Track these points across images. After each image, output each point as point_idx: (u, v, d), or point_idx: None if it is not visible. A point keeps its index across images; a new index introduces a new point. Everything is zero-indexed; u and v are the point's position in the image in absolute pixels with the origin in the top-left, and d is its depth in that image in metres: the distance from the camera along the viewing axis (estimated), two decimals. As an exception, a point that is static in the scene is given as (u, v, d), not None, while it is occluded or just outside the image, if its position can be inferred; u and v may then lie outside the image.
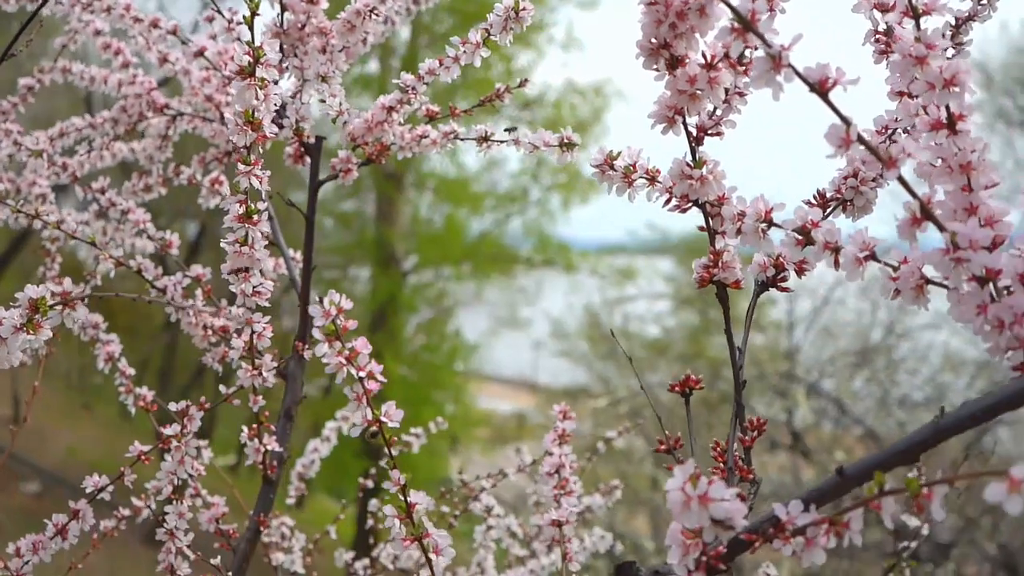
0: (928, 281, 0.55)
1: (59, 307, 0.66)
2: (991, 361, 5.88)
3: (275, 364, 0.92)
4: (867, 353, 6.56)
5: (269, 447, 0.98)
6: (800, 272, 0.68)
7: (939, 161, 0.56)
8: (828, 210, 0.70)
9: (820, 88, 0.51)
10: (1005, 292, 0.53)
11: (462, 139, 0.98)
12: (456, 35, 0.94)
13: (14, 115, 1.30)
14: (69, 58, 1.31)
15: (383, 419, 0.64)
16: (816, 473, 6.88)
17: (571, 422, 1.01)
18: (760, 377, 6.28)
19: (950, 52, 0.73)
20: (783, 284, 0.68)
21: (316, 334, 0.63)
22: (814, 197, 0.70)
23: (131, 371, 1.11)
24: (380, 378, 0.63)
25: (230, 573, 0.95)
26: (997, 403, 0.50)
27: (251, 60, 0.71)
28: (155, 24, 1.09)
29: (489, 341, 11.82)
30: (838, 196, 0.69)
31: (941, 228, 0.52)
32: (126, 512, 1.18)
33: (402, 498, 0.66)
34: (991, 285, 0.52)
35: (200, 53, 1.03)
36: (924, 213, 0.53)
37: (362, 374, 0.63)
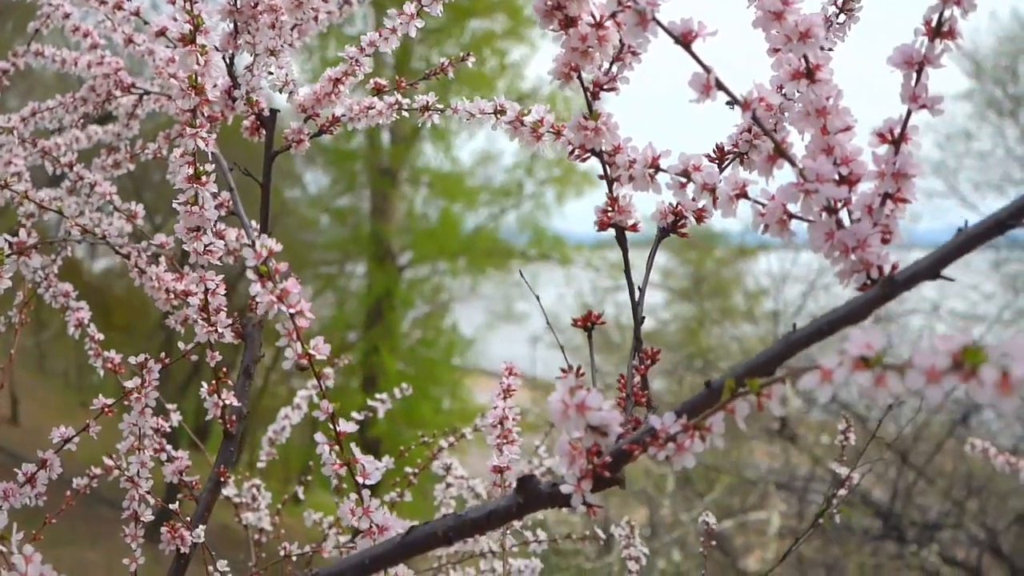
0: (791, 216, 0.61)
1: (15, 256, 0.72)
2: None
3: (230, 321, 0.98)
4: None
5: (228, 402, 1.04)
6: (699, 219, 0.74)
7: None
8: (726, 162, 0.76)
9: (684, 40, 0.57)
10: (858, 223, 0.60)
11: (406, 110, 1.04)
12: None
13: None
14: (43, 42, 1.37)
15: (312, 352, 0.70)
16: (806, 459, 6.97)
17: (516, 379, 1.07)
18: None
19: (841, 18, 0.79)
20: (682, 230, 0.74)
21: (251, 275, 0.69)
22: (713, 150, 0.76)
23: (100, 336, 1.17)
24: (309, 315, 0.69)
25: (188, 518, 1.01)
26: (841, 318, 0.56)
27: (192, 28, 0.77)
28: (119, 6, 1.15)
29: (485, 335, 11.88)
30: (735, 149, 0.75)
31: (793, 164, 0.58)
32: (97, 471, 1.24)
33: (331, 427, 0.72)
34: (840, 215, 0.58)
35: (162, 33, 1.08)
36: (778, 151, 0.59)
37: (293, 311, 0.69)
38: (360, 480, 0.71)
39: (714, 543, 1.17)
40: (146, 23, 1.17)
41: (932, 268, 0.54)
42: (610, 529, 1.26)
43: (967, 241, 0.53)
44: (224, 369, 1.05)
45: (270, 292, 0.68)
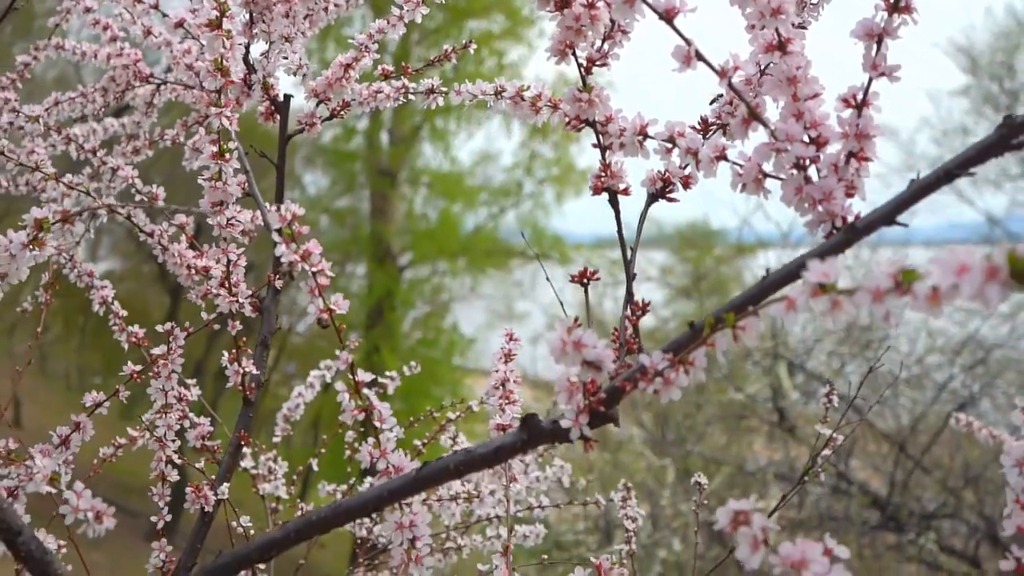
0: (765, 175, 0.68)
1: (59, 224, 0.79)
2: (973, 337, 6.01)
3: (250, 292, 1.05)
4: (851, 331, 6.71)
5: (248, 370, 1.11)
6: (686, 185, 0.81)
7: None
8: (710, 132, 0.82)
9: (667, 16, 0.64)
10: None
11: (412, 93, 1.10)
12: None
13: (12, 89, 1.43)
14: (62, 36, 1.44)
15: (333, 307, 0.76)
16: (807, 449, 7.03)
17: (516, 343, 1.13)
18: (746, 356, 6.44)
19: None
20: (671, 196, 0.81)
21: (275, 237, 0.75)
22: (698, 122, 0.82)
23: (124, 312, 1.23)
24: (329, 272, 0.76)
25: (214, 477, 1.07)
26: (811, 256, 0.62)
27: (218, 14, 0.84)
28: (138, 0, 1.22)
29: (486, 335, 11.94)
30: (718, 120, 0.82)
31: (765, 126, 0.65)
32: (122, 440, 1.30)
33: (351, 376, 0.78)
34: (809, 172, 0.65)
35: (180, 24, 1.15)
36: (752, 115, 0.65)
37: (315, 269, 0.75)
38: (377, 424, 0.78)
39: (705, 502, 1.24)
40: (164, 15, 1.24)
41: (889, 215, 0.60)
42: (610, 495, 1.32)
43: (919, 190, 0.59)
44: (243, 339, 1.12)
45: (294, 252, 0.75)
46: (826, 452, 1.22)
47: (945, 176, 0.58)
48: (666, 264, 11.31)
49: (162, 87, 1.34)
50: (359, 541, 1.51)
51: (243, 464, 1.45)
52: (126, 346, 1.21)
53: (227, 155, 0.90)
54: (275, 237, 0.74)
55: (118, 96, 1.32)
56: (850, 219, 0.64)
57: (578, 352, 0.63)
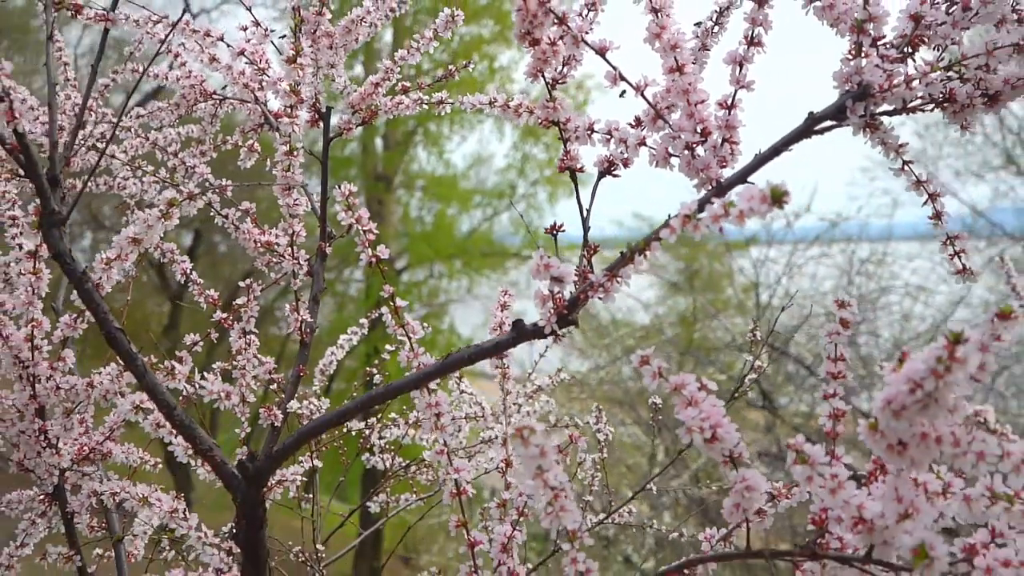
0: (670, 154, 1.02)
1: (186, 200, 1.12)
2: (946, 318, 6.33)
3: (308, 257, 1.38)
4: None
5: (303, 318, 1.44)
6: (625, 164, 1.15)
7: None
8: (642, 128, 1.16)
9: (600, 51, 0.98)
10: (710, 157, 1.00)
11: (426, 104, 1.45)
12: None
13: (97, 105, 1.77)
14: (137, 62, 1.78)
15: (378, 254, 1.10)
16: (789, 430, 7.39)
17: (511, 297, 1.47)
18: (731, 341, 6.80)
19: (716, 29, 1.20)
20: (615, 172, 1.15)
21: (337, 206, 1.09)
22: (633, 119, 1.16)
23: (200, 281, 1.57)
24: (375, 230, 1.10)
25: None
26: (700, 204, 0.96)
27: (295, 52, 1.18)
28: (208, 33, 1.56)
29: (483, 336, 12.21)
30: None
31: (666, 121, 0.99)
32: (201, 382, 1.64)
33: (392, 303, 1.12)
34: (698, 151, 0.99)
35: (241, 52, 1.49)
36: (656, 115, 1.00)
37: (365, 228, 1.09)
38: (411, 335, 1.12)
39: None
40: (229, 46, 1.58)
41: (741, 177, 0.94)
42: (598, 431, 1.66)
43: (759, 161, 0.93)
44: (298, 296, 1.45)
45: (351, 216, 1.09)
46: (752, 376, 1.56)
47: (773, 152, 0.92)
48: (659, 262, 11.62)
49: (223, 102, 1.67)
50: (383, 472, 1.85)
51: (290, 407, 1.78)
52: (204, 306, 1.55)
53: (295, 152, 1.24)
54: (337, 206, 1.08)
55: (188, 109, 1.65)
56: (722, 181, 0.98)
57: (548, 271, 0.97)
